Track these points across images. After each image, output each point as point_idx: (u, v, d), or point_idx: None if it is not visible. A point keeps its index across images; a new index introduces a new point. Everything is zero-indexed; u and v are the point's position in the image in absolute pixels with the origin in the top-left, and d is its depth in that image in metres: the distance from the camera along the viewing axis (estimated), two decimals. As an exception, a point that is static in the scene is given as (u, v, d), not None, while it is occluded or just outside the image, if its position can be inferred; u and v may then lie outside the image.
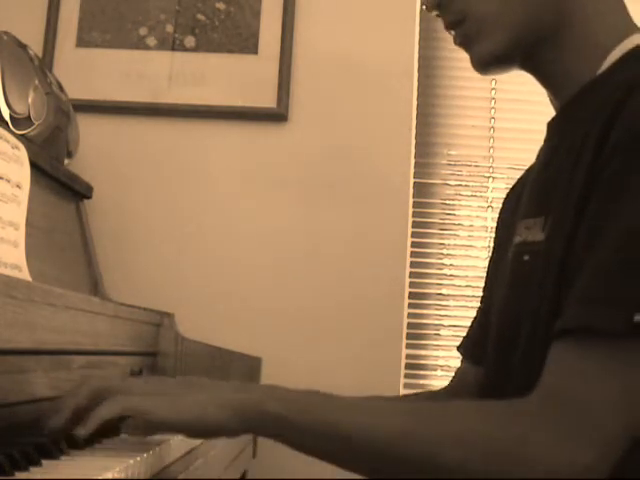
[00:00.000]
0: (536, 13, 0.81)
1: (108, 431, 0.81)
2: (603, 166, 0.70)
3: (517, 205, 0.93)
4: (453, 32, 0.87)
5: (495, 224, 1.05)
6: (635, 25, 0.83)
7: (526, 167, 1.00)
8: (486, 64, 0.86)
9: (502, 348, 0.84)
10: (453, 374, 1.07)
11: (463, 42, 0.86)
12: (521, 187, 0.96)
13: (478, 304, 1.07)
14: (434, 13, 0.87)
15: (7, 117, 1.30)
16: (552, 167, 0.82)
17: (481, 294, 1.05)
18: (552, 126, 0.89)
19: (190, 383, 0.78)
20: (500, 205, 1.05)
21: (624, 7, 0.84)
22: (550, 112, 0.91)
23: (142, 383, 0.78)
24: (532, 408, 0.67)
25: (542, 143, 0.91)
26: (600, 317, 0.65)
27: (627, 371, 0.64)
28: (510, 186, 1.04)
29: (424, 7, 0.88)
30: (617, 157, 0.69)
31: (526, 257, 0.79)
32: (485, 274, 1.04)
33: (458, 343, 1.08)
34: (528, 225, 0.81)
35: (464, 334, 1.07)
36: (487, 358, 0.90)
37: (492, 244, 1.03)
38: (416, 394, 1.17)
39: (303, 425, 0.71)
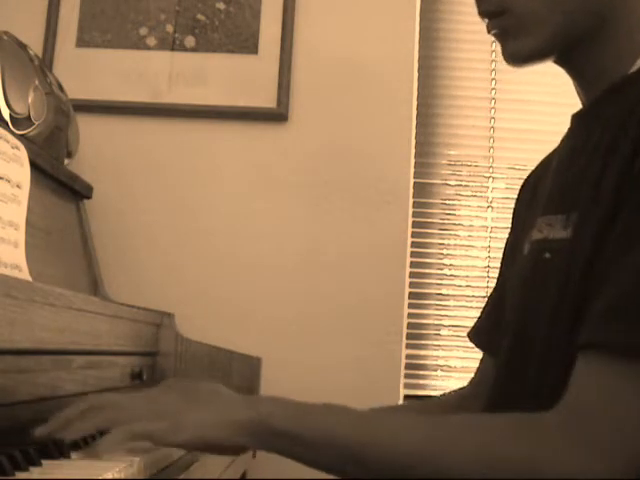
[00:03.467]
0: (577, 13, 0.81)
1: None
2: (636, 176, 0.68)
3: (534, 197, 0.91)
4: (487, 20, 0.85)
5: (496, 223, 1.04)
6: None
7: (526, 167, 0.99)
8: (522, 60, 0.85)
9: (518, 347, 0.83)
10: (477, 368, 1.05)
11: (499, 34, 0.85)
12: (538, 178, 0.94)
13: (478, 304, 1.06)
14: None
15: (7, 117, 1.30)
16: (577, 164, 0.80)
17: (495, 284, 1.04)
18: (579, 120, 0.87)
19: (193, 397, 0.76)
20: (501, 204, 1.04)
21: None
22: (550, 112, 0.91)
23: (144, 403, 0.76)
24: (554, 424, 0.66)
25: (565, 135, 0.89)
26: (631, 336, 0.64)
27: None
28: (511, 186, 1.03)
29: None
30: None
31: (547, 255, 0.78)
32: (500, 264, 1.03)
33: (458, 343, 1.07)
34: (550, 222, 0.80)
35: (467, 330, 1.07)
36: (500, 354, 0.89)
37: (509, 233, 1.02)
38: (437, 398, 1.16)
39: (313, 443, 0.71)
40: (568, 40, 0.82)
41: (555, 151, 0.92)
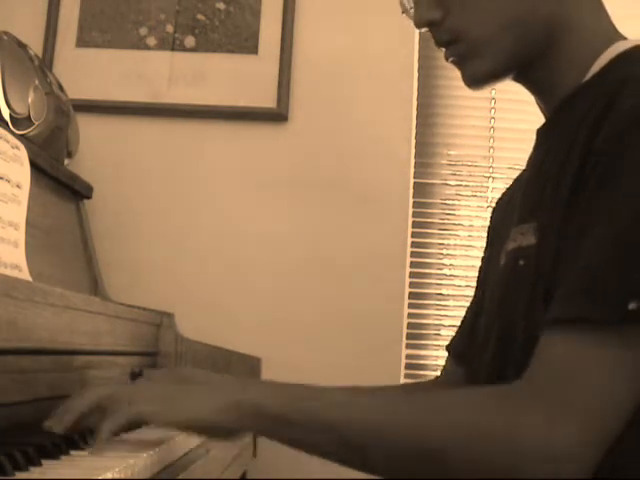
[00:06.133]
0: (527, 34, 0.84)
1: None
2: (592, 165, 0.72)
3: (507, 211, 0.94)
4: (444, 49, 0.89)
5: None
6: (618, 33, 0.86)
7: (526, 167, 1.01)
8: (479, 82, 0.89)
9: (499, 353, 0.85)
10: (441, 370, 1.08)
11: (456, 61, 0.88)
12: (511, 193, 0.98)
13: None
14: (423, 30, 0.88)
15: (7, 117, 1.30)
16: (541, 173, 0.83)
17: (472, 297, 1.06)
18: (541, 133, 0.91)
19: (190, 384, 0.81)
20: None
21: (607, 16, 0.87)
22: (549, 113, 0.92)
23: (144, 389, 0.81)
24: (522, 393, 0.69)
25: (532, 149, 0.93)
26: (593, 307, 0.66)
27: (620, 358, 0.66)
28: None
29: (414, 24, 0.88)
30: (605, 157, 0.71)
31: (522, 262, 0.81)
32: (477, 280, 1.05)
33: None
34: (522, 231, 0.83)
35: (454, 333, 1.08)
36: (479, 360, 0.90)
37: (484, 250, 1.04)
38: (416, 383, 1.18)
39: (298, 424, 0.73)
40: (521, 59, 0.86)
41: (525, 167, 0.95)
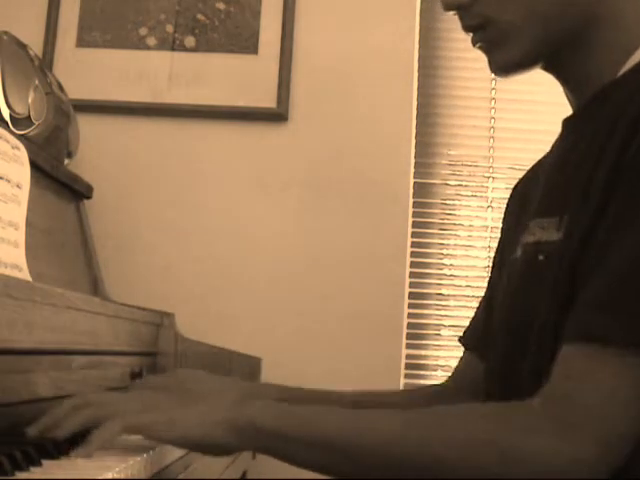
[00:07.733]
0: (558, 20, 0.81)
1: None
2: (625, 170, 0.70)
3: (525, 201, 0.92)
4: (471, 34, 0.86)
5: (496, 223, 1.05)
6: None
7: (526, 167, 1.00)
8: (509, 70, 0.86)
9: (513, 346, 0.83)
10: (455, 367, 1.06)
11: (484, 47, 0.85)
12: (528, 183, 0.95)
13: (478, 304, 1.07)
14: (451, 13, 0.85)
15: (7, 117, 1.30)
16: (569, 166, 0.81)
17: (485, 288, 1.05)
18: (569, 124, 0.88)
19: (185, 393, 0.80)
20: (501, 204, 1.05)
21: None
22: (550, 112, 0.91)
23: (136, 399, 0.79)
24: (536, 407, 0.68)
25: (557, 140, 0.90)
26: (615, 327, 0.65)
27: (637, 380, 0.65)
28: (511, 186, 1.03)
29: (442, 6, 0.85)
30: (634, 171, 0.69)
31: (541, 257, 0.79)
32: (490, 270, 1.04)
33: (458, 343, 1.08)
34: (542, 225, 0.80)
35: (465, 327, 1.08)
36: (494, 354, 0.89)
37: (499, 239, 1.03)
38: (419, 389, 1.17)
39: (299, 440, 0.72)
40: (551, 47, 0.83)
41: (545, 157, 0.93)
